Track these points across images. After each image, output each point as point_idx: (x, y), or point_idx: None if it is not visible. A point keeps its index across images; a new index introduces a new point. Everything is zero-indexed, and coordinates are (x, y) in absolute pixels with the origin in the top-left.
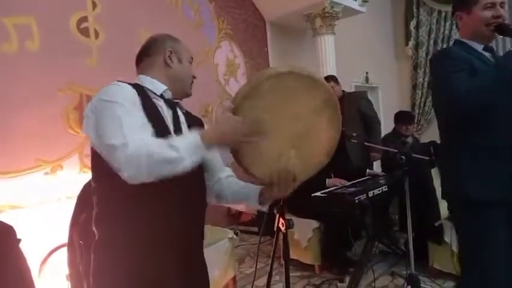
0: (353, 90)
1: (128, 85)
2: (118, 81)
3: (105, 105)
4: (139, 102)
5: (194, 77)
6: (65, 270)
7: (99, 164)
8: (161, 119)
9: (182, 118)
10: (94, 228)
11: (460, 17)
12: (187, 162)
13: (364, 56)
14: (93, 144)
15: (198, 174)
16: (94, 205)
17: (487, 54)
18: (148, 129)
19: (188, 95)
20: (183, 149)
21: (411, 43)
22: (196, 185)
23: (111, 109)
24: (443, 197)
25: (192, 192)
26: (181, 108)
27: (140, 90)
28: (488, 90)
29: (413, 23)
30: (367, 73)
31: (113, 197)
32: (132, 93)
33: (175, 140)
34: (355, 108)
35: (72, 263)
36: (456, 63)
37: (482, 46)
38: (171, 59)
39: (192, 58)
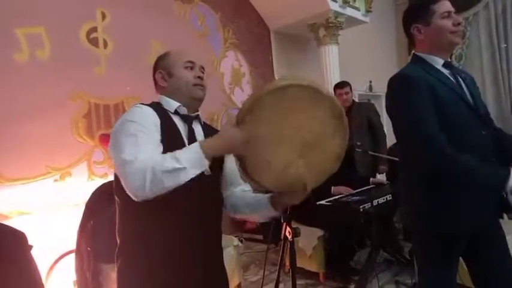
0: (356, 98)
1: (149, 107)
2: (141, 103)
3: (125, 124)
4: (158, 123)
5: (199, 77)
6: (73, 276)
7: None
8: (178, 136)
9: (199, 131)
10: (117, 237)
11: (418, 29)
12: (189, 172)
13: (367, 65)
14: (113, 160)
15: (214, 185)
16: (117, 215)
17: (446, 71)
18: (161, 149)
19: (197, 98)
20: (185, 160)
21: None
22: (212, 195)
23: (129, 127)
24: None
25: (207, 202)
26: (200, 121)
27: (159, 109)
28: (463, 177)
29: None
30: (370, 82)
31: (131, 208)
32: (152, 115)
33: (178, 151)
34: (364, 119)
35: (79, 269)
36: (420, 98)
37: (442, 61)
38: (163, 79)
39: (189, 62)
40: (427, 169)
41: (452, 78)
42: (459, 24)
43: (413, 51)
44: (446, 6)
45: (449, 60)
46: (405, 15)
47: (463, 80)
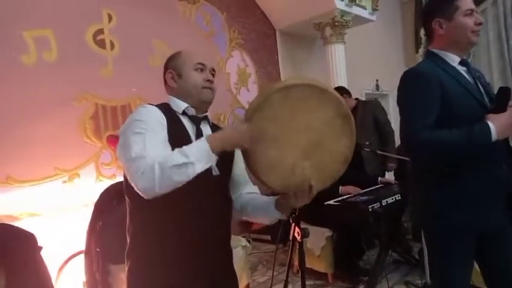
0: (363, 97)
1: (156, 107)
2: (148, 104)
3: (131, 123)
4: (165, 122)
5: (208, 80)
6: (82, 277)
7: None
8: (187, 136)
9: (208, 132)
10: (127, 237)
11: (440, 23)
12: (197, 167)
13: (374, 64)
14: (120, 160)
15: (223, 185)
16: (127, 215)
17: (462, 68)
18: (168, 147)
19: (206, 101)
20: (192, 155)
21: (421, 50)
22: (221, 196)
23: (136, 126)
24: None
25: (217, 202)
26: (208, 122)
27: (167, 110)
28: (447, 151)
29: (423, 31)
30: (377, 81)
31: (141, 208)
32: (158, 114)
33: (185, 147)
34: (370, 117)
35: (89, 270)
36: (424, 97)
37: (458, 59)
38: (172, 79)
39: (200, 64)
40: (422, 165)
41: (468, 77)
42: (480, 24)
43: (427, 49)
44: (469, 3)
45: (465, 58)
46: (428, 7)
47: (478, 79)
